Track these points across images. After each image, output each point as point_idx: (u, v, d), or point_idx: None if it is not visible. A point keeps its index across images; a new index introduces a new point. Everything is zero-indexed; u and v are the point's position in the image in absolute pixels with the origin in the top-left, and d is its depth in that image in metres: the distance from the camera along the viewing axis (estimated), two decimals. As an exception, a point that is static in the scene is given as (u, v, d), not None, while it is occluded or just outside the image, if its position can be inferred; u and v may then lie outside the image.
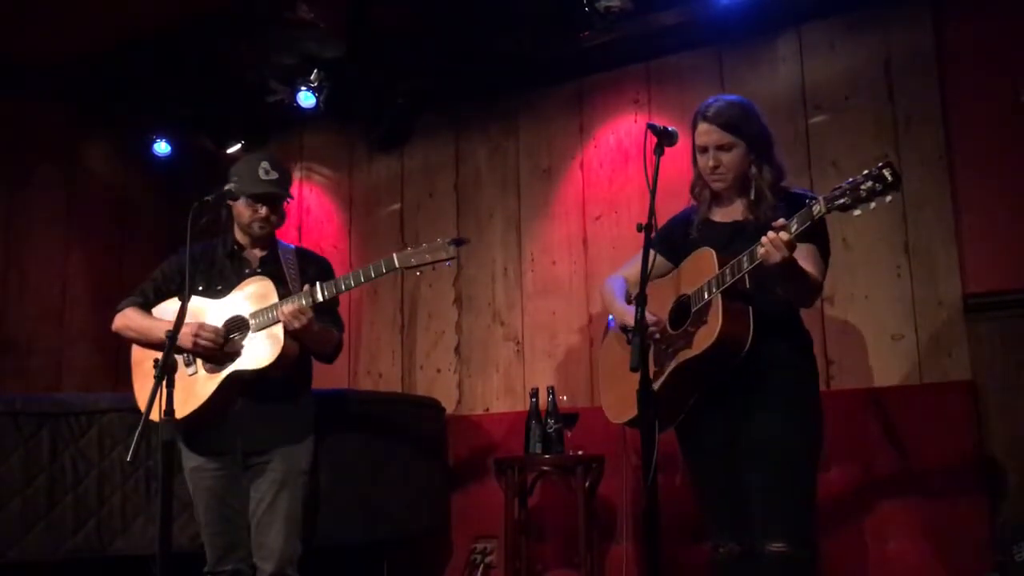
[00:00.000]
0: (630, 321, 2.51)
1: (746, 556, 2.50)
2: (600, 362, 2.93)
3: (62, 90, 5.11)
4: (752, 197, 2.57)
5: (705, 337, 2.40)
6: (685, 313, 2.52)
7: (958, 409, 3.70)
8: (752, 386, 2.46)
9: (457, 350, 5.00)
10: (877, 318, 3.96)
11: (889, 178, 2.10)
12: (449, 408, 4.79)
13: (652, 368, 2.53)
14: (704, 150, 2.61)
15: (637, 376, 2.56)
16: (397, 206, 5.31)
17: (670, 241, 2.75)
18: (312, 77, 4.81)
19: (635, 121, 4.67)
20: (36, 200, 5.22)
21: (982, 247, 3.80)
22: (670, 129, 2.49)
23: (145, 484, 3.57)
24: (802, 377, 2.56)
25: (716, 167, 2.59)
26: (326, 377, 4.99)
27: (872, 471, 3.79)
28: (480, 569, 4.51)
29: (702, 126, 2.60)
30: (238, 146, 5.50)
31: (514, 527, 4.13)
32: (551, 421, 4.07)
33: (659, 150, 2.44)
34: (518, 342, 4.82)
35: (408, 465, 4.29)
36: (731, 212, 2.65)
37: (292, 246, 3.20)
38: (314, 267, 3.10)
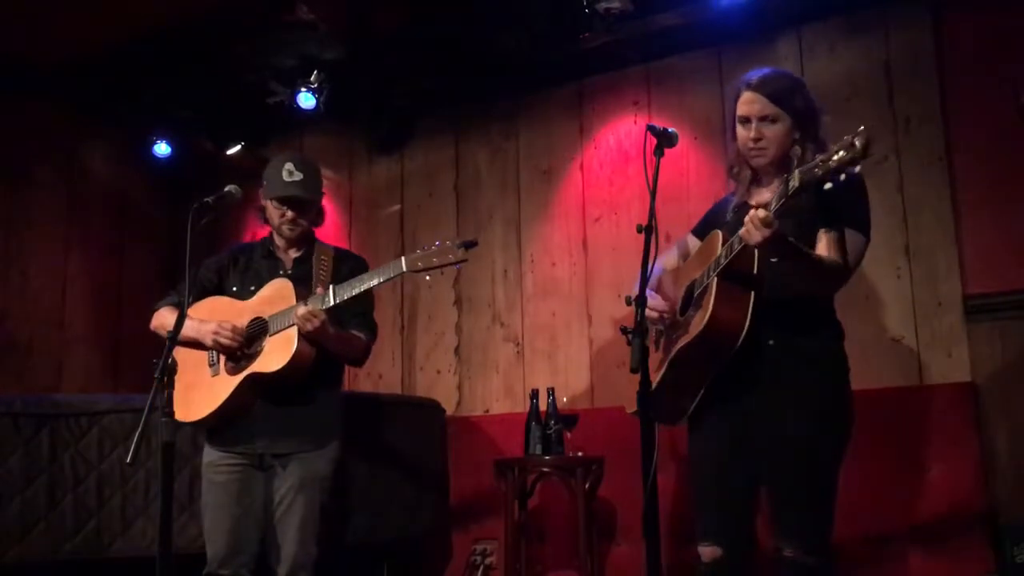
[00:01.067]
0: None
1: (729, 561, 2.43)
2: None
3: (62, 90, 5.11)
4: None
5: (698, 322, 2.31)
6: (690, 299, 2.45)
7: (958, 409, 3.70)
8: (774, 380, 2.36)
9: (457, 351, 5.00)
10: (877, 319, 3.96)
11: (857, 146, 1.98)
12: (449, 409, 4.78)
13: (660, 356, 2.49)
14: (746, 121, 2.42)
15: (652, 361, 2.53)
16: (397, 207, 5.31)
17: (710, 227, 2.61)
18: (312, 78, 4.81)
19: (635, 122, 4.67)
20: (36, 200, 5.22)
21: (982, 248, 3.80)
22: (670, 130, 2.44)
23: (145, 485, 3.57)
24: (831, 373, 2.43)
25: (758, 140, 2.41)
26: (326, 378, 4.98)
27: (872, 472, 3.78)
28: (480, 570, 4.51)
29: (746, 95, 2.42)
30: (238, 147, 5.51)
31: (514, 528, 4.12)
32: (551, 422, 4.06)
33: (659, 151, 2.39)
34: (518, 343, 4.82)
35: (408, 466, 4.29)
36: (769, 194, 2.47)
37: (331, 247, 3.17)
38: (347, 266, 3.06)
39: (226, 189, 2.88)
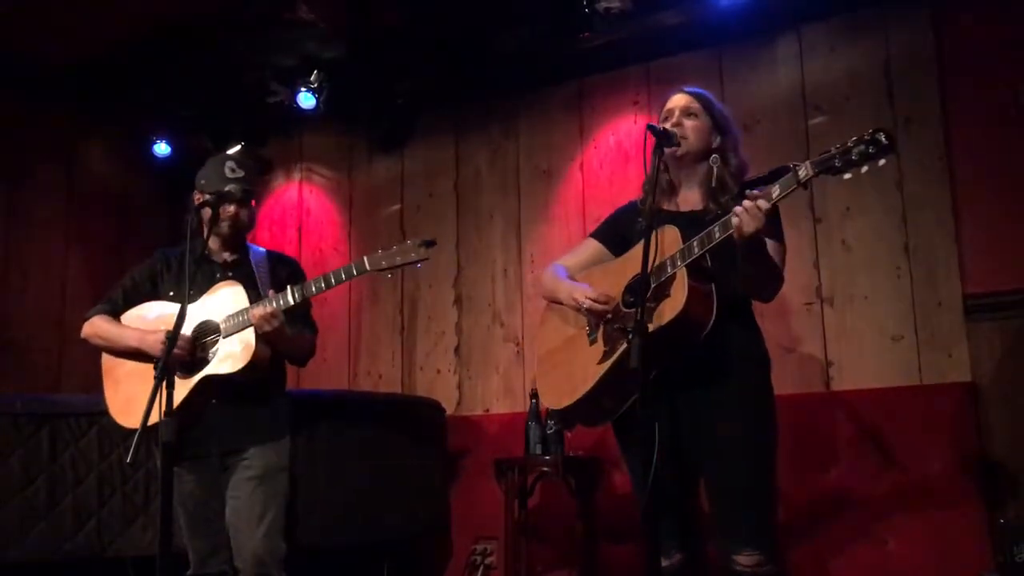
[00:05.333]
0: (579, 297, 2.44)
1: (691, 565, 2.41)
2: (539, 344, 2.75)
3: (62, 90, 5.11)
4: (714, 184, 2.46)
5: (668, 310, 2.27)
6: (637, 292, 2.35)
7: (958, 409, 3.70)
8: (717, 378, 2.36)
9: (457, 351, 5.00)
10: (877, 318, 3.96)
11: (884, 141, 2.02)
12: (449, 409, 4.78)
13: (602, 348, 2.43)
14: (669, 115, 2.52)
15: (579, 358, 2.49)
16: (397, 207, 5.31)
17: (616, 232, 2.66)
18: (312, 78, 4.81)
19: (635, 122, 4.67)
20: (36, 200, 5.22)
21: (982, 247, 3.80)
22: (670, 130, 2.47)
23: (144, 485, 3.57)
24: (764, 371, 2.46)
25: (678, 126, 2.49)
26: (326, 378, 5.01)
27: (872, 471, 3.79)
28: (480, 570, 4.51)
29: (675, 96, 2.56)
30: (238, 146, 5.51)
31: (514, 528, 4.12)
32: (551, 422, 4.07)
33: (659, 151, 2.40)
34: (518, 343, 4.82)
35: (408, 466, 4.28)
36: (685, 202, 2.55)
37: (263, 249, 3.15)
38: (285, 269, 3.07)
39: (225, 188, 2.89)
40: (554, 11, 4.31)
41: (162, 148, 5.47)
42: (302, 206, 5.61)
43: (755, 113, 4.30)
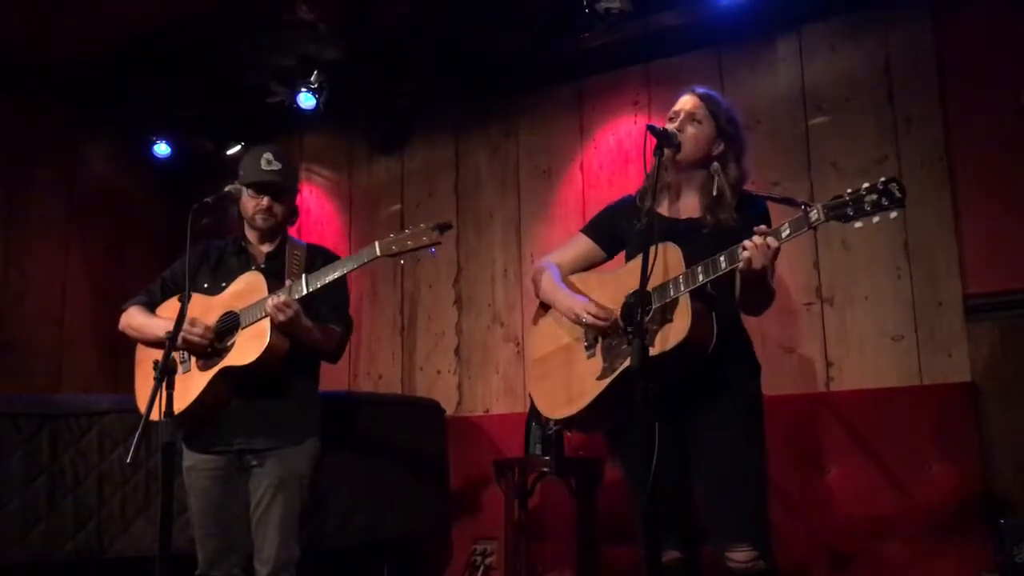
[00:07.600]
0: (579, 312, 2.46)
1: (688, 564, 2.44)
2: (533, 346, 2.74)
3: (62, 90, 5.11)
4: (714, 194, 2.47)
5: (672, 336, 2.29)
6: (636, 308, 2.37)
7: (958, 409, 3.70)
8: (711, 384, 2.38)
9: (457, 351, 5.00)
10: (877, 318, 3.96)
11: (897, 194, 2.08)
12: (449, 409, 4.78)
13: (601, 363, 2.45)
14: (675, 116, 2.51)
15: (576, 370, 2.51)
16: (397, 207, 5.31)
17: (608, 229, 2.67)
18: (312, 78, 4.81)
19: (635, 122, 4.67)
20: (36, 200, 5.22)
21: (982, 247, 3.80)
22: (670, 130, 2.47)
23: (145, 485, 3.57)
24: (756, 377, 2.49)
25: (680, 132, 2.49)
26: (326, 378, 4.99)
27: (872, 471, 3.79)
28: (480, 570, 4.51)
29: (686, 96, 2.55)
30: (238, 147, 5.51)
31: (514, 528, 4.12)
32: (551, 422, 4.05)
33: (659, 152, 2.40)
34: (518, 343, 4.82)
35: (408, 467, 4.28)
36: (685, 208, 2.56)
37: (304, 242, 3.12)
38: (321, 261, 2.98)
39: (226, 189, 2.88)
40: (554, 11, 4.31)
41: (162, 148, 5.47)
42: (302, 206, 5.59)
43: (755, 113, 4.29)
